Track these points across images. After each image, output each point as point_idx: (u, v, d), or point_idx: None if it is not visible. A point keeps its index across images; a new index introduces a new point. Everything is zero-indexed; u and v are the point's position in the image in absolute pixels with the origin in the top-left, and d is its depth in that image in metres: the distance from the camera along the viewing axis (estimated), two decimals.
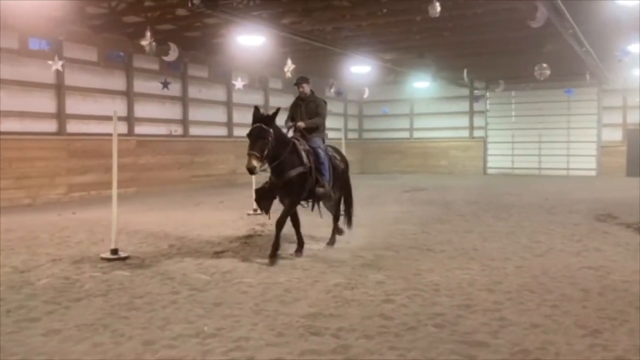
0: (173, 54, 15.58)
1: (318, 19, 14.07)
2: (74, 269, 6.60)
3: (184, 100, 18.76)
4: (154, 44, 13.78)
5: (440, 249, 7.79)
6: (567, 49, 15.51)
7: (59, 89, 14.78)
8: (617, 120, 24.19)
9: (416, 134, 28.14)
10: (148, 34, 13.55)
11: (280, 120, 7.28)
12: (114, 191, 7.52)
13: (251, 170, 6.67)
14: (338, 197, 8.16)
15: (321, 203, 7.90)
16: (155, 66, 17.56)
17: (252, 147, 6.71)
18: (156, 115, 17.87)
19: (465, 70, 21.12)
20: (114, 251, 7.22)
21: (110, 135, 7.68)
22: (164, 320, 4.72)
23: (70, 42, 14.89)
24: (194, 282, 6.00)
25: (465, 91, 26.21)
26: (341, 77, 22.91)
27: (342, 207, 8.33)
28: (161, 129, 18.08)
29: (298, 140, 7.39)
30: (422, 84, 23.80)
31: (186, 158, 18.31)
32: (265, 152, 6.73)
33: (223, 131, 20.54)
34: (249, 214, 11.19)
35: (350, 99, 28.15)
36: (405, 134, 28.35)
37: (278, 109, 7.12)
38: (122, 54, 16.73)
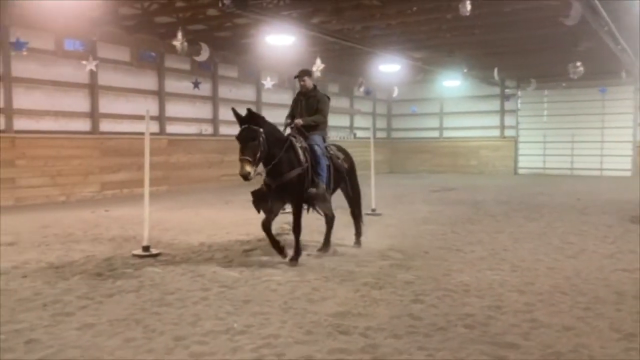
0: (204, 54, 15.75)
1: (348, 18, 14.06)
2: (106, 265, 6.74)
3: (214, 100, 18.94)
4: (185, 44, 13.95)
5: (470, 250, 7.71)
6: (601, 46, 15.16)
7: (93, 88, 15.08)
8: None
9: (446, 134, 27.84)
10: (180, 34, 13.73)
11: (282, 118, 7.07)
12: (146, 189, 7.66)
13: (245, 177, 6.20)
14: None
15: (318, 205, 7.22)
16: (186, 66, 17.78)
17: (242, 151, 6.26)
18: (187, 114, 18.09)
19: (496, 69, 20.85)
20: (146, 248, 7.33)
21: (142, 134, 7.81)
22: (194, 316, 4.78)
23: (103, 43, 15.19)
24: (223, 279, 6.06)
25: (496, 90, 25.87)
26: (370, 76, 22.85)
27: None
28: (192, 128, 18.29)
29: (295, 137, 6.91)
30: (452, 83, 23.56)
31: (216, 157, 18.47)
32: (258, 155, 6.27)
33: None
34: None
35: (379, 98, 28.03)
36: (435, 134, 28.08)
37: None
38: (154, 54, 16.98)
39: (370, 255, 7.30)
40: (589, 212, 11.78)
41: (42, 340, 4.23)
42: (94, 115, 15.14)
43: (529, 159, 26.04)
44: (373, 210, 11.24)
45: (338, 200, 7.85)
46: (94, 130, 15.15)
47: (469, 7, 10.77)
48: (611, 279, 6.03)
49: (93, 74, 14.87)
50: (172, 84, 17.46)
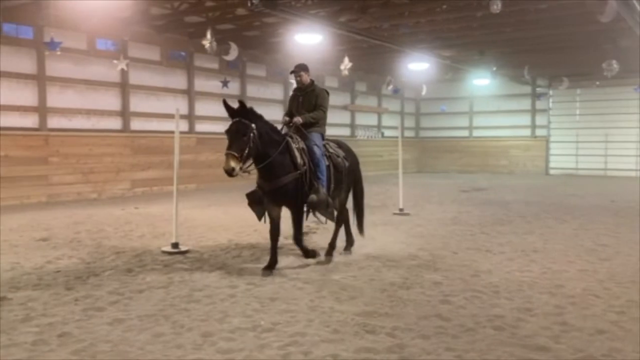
0: (233, 53, 15.84)
1: (376, 16, 14.00)
2: (136, 262, 6.84)
3: (243, 99, 19.01)
4: (214, 43, 14.04)
5: (499, 250, 7.61)
6: (637, 44, 14.79)
7: (124, 87, 15.33)
8: None
9: (475, 133, 27.48)
10: (209, 33, 13.83)
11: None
12: (175, 187, 7.75)
13: (229, 173, 5.78)
14: (343, 198, 7.25)
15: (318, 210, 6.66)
16: (215, 65, 17.93)
17: (229, 145, 5.87)
18: (216, 113, 18.14)
19: (526, 67, 20.51)
20: (175, 245, 7.42)
21: (172, 132, 7.92)
22: (222, 313, 4.82)
23: (134, 42, 15.43)
24: (251, 276, 6.10)
25: (527, 89, 25.45)
26: (398, 75, 22.72)
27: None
28: (220, 127, 18.18)
29: (292, 137, 6.53)
30: (482, 81, 23.26)
31: None
32: (247, 151, 5.88)
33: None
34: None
35: (407, 97, 27.86)
36: (464, 133, 27.74)
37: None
38: (183, 53, 17.18)
39: (397, 255, 7.25)
40: (624, 214, 11.49)
41: (74, 334, 4.31)
42: (125, 113, 15.39)
43: (561, 159, 25.54)
44: (401, 210, 11.15)
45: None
46: (125, 128, 15.39)
47: (499, 4, 10.62)
48: None
49: (124, 73, 15.12)
50: (201, 83, 17.63)
